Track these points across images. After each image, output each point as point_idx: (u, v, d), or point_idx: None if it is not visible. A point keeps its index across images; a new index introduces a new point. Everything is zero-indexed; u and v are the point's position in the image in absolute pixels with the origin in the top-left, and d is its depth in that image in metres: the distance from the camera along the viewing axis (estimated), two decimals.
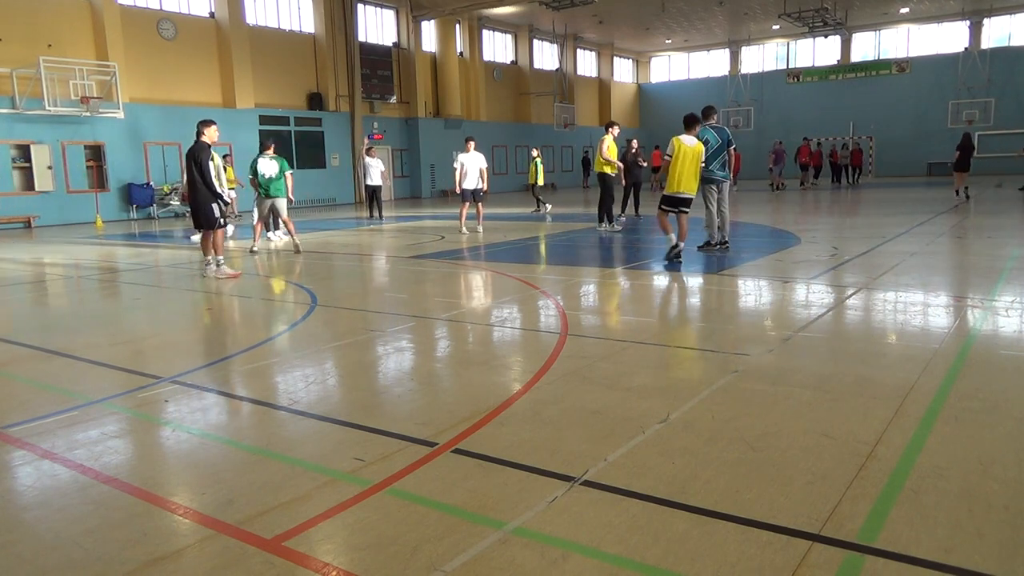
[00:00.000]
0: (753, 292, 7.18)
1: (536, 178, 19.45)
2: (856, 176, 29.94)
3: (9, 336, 6.00)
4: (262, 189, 11.36)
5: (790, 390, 3.91)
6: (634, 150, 15.98)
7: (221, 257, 8.79)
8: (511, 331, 5.78)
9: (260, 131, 24.64)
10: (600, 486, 2.81)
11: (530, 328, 5.90)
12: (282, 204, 11.60)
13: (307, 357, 5.04)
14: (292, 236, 11.49)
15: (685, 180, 8.89)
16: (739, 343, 4.99)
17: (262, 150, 11.54)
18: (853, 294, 6.63)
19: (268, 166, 11.45)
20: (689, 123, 9.09)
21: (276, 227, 13.56)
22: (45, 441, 3.49)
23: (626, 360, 4.68)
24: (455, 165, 13.83)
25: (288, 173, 11.86)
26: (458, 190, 13.66)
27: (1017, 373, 4.20)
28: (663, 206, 9.14)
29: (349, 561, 2.34)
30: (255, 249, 11.63)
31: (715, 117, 9.86)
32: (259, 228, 12.03)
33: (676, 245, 8.67)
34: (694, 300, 7.04)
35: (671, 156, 8.87)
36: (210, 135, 8.78)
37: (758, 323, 5.82)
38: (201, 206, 8.71)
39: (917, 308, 6.03)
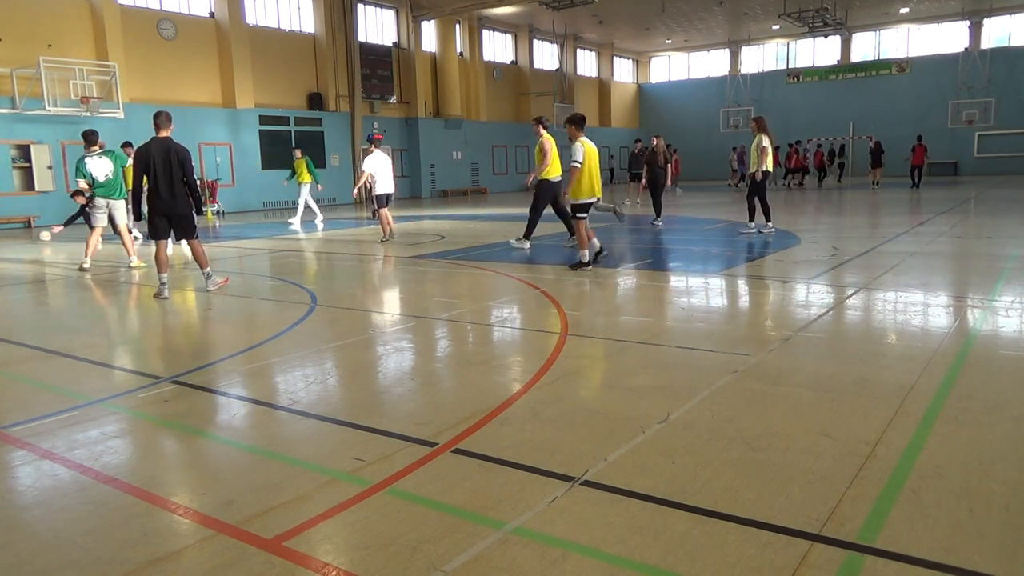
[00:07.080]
0: (753, 292, 7.18)
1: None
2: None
3: (9, 336, 6.00)
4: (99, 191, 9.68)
5: (790, 390, 3.91)
6: (653, 145, 15.12)
7: (209, 268, 8.02)
8: (511, 331, 5.77)
9: (260, 131, 24.66)
10: (600, 486, 2.81)
11: (530, 328, 5.90)
12: (120, 210, 9.83)
13: (307, 357, 5.04)
14: (128, 250, 9.94)
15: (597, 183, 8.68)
16: (739, 343, 4.99)
17: (88, 146, 9.67)
18: (853, 294, 6.63)
19: (99, 166, 9.68)
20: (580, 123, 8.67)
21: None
22: (45, 441, 3.49)
23: (626, 360, 4.68)
24: (363, 169, 12.45)
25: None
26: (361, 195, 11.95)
27: (1017, 373, 4.20)
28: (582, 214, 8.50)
29: (349, 561, 2.34)
30: (85, 266, 9.83)
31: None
32: (94, 239, 10.02)
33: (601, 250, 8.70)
34: (694, 300, 7.03)
35: (581, 162, 8.51)
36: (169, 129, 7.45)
37: (758, 323, 5.82)
38: (185, 212, 7.63)
39: (917, 308, 6.03)
